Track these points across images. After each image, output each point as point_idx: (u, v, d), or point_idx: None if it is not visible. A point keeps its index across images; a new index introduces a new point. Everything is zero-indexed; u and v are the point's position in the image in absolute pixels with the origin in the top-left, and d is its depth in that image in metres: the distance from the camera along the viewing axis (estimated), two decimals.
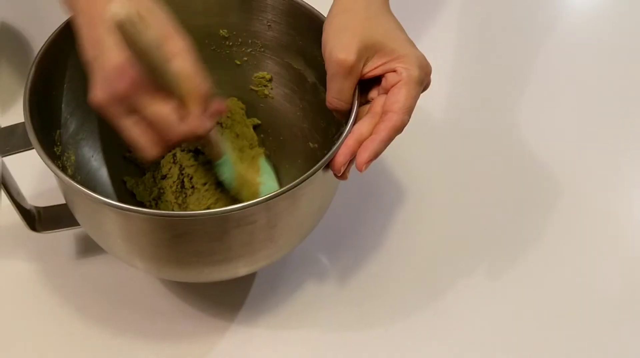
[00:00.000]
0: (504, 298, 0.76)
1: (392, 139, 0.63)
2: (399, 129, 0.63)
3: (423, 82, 0.64)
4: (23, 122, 0.63)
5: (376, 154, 0.62)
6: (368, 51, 0.64)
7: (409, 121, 0.63)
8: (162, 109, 0.57)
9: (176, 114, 0.57)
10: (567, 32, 1.01)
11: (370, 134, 0.63)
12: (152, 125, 0.58)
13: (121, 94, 0.56)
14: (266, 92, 0.81)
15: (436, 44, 0.96)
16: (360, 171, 0.62)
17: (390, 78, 0.64)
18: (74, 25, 0.60)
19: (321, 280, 0.76)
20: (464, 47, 0.98)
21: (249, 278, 0.76)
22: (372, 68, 0.64)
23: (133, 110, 0.57)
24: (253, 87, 0.81)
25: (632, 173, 0.87)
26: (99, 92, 0.57)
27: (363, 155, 0.62)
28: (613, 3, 1.05)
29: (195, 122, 0.58)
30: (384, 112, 0.63)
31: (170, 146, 0.59)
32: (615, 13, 1.03)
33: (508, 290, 0.77)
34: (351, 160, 0.63)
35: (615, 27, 1.01)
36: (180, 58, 0.57)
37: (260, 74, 0.80)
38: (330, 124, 0.74)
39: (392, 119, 0.62)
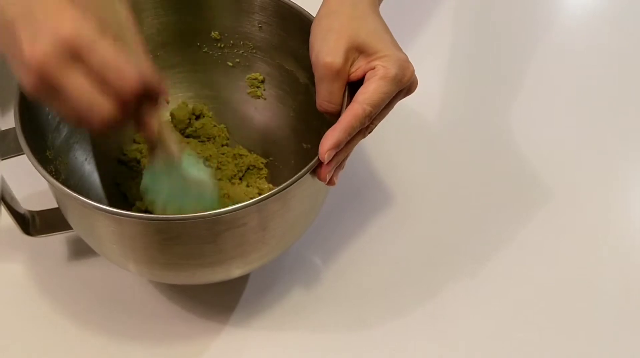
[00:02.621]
0: (498, 299, 0.76)
1: (355, 129, 0.62)
2: (359, 118, 0.62)
3: (400, 82, 0.64)
4: (14, 128, 0.63)
5: (338, 143, 0.61)
6: (354, 53, 0.64)
7: (371, 113, 0.62)
8: (111, 52, 0.51)
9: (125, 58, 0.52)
10: (561, 35, 1.00)
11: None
12: (99, 78, 0.51)
13: (67, 42, 0.50)
14: (259, 93, 0.81)
15: (429, 47, 0.96)
16: (323, 160, 0.61)
17: (368, 75, 0.64)
18: None
19: (314, 282, 0.76)
20: (457, 50, 0.98)
21: (242, 280, 0.76)
22: (356, 69, 0.65)
23: (76, 63, 0.51)
24: (246, 89, 0.81)
25: (628, 176, 0.87)
26: (38, 46, 0.50)
27: (324, 144, 0.61)
28: (608, 6, 1.05)
29: (146, 67, 0.54)
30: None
31: (124, 102, 0.53)
32: (610, 16, 1.03)
33: (502, 291, 0.77)
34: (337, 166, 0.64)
35: (610, 30, 1.01)
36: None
37: (253, 75, 0.80)
38: (324, 125, 0.73)
39: (353, 108, 0.62)
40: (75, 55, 0.51)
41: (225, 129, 0.82)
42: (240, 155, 0.80)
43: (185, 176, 0.63)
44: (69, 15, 0.51)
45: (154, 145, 0.61)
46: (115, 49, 0.52)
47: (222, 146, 0.81)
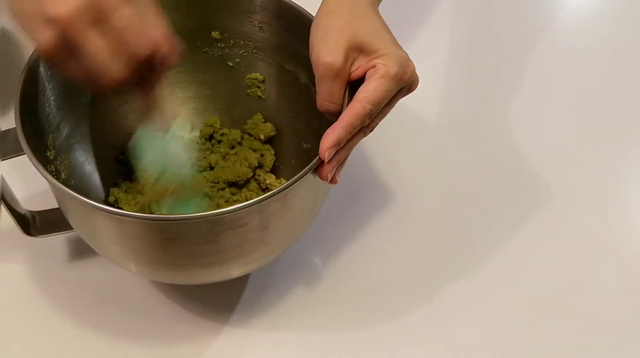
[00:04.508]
0: (498, 298, 0.76)
1: (355, 127, 0.62)
2: (360, 116, 0.62)
3: (400, 80, 0.64)
4: (15, 128, 0.63)
5: (338, 141, 0.61)
6: (354, 52, 0.64)
7: (372, 111, 0.62)
8: (132, 16, 0.55)
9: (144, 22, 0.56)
10: (561, 35, 1.00)
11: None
12: (117, 39, 0.55)
13: (93, 3, 0.53)
14: (259, 93, 0.81)
15: (429, 47, 0.96)
16: (324, 159, 0.61)
17: (369, 74, 0.64)
18: None
19: (314, 282, 0.77)
20: (456, 50, 0.98)
21: (242, 280, 0.76)
22: (356, 68, 0.64)
23: (97, 24, 0.54)
24: (246, 89, 0.81)
25: (628, 175, 0.87)
26: (63, 4, 0.53)
27: (325, 142, 0.61)
28: (607, 6, 1.05)
29: (161, 31, 0.57)
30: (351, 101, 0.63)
31: (136, 64, 0.57)
32: (609, 16, 1.03)
33: (502, 292, 0.77)
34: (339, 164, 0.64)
35: (610, 30, 1.01)
36: None
37: (253, 75, 0.80)
38: (324, 125, 0.73)
39: (354, 107, 0.62)
40: (97, 16, 0.54)
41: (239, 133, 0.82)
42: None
43: (171, 141, 0.67)
44: None
45: (149, 109, 0.64)
46: (135, 12, 0.55)
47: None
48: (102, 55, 0.55)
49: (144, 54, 0.57)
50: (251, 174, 0.80)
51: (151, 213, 0.72)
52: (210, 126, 0.82)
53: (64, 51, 0.55)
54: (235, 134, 0.81)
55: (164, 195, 0.68)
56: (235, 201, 0.78)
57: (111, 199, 0.77)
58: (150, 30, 0.57)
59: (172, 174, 0.67)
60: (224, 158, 0.80)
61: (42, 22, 0.54)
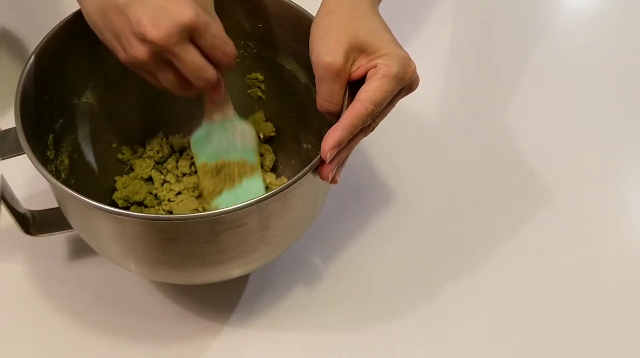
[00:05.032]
0: (498, 299, 0.76)
1: (357, 127, 0.62)
2: (361, 116, 0.62)
3: (402, 80, 0.63)
4: (15, 128, 0.63)
5: (340, 141, 0.61)
6: (354, 52, 0.64)
7: (373, 111, 0.62)
8: (219, 33, 0.63)
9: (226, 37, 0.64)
10: (562, 35, 1.00)
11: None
12: (210, 46, 0.62)
13: (188, 25, 0.59)
14: (259, 93, 0.81)
15: (429, 47, 0.96)
16: (325, 159, 0.61)
17: (370, 74, 0.63)
18: None
19: (314, 282, 0.77)
20: (457, 50, 0.98)
21: (242, 280, 0.76)
22: (356, 68, 0.64)
23: (191, 40, 0.61)
24: (246, 89, 0.81)
25: (628, 176, 0.87)
26: (162, 26, 0.59)
27: (326, 142, 0.61)
28: (607, 6, 1.05)
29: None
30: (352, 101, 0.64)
31: (222, 66, 0.65)
32: (609, 16, 1.03)
33: (502, 291, 0.77)
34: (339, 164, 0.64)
35: (609, 29, 1.01)
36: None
37: (253, 75, 0.80)
38: (324, 125, 0.74)
39: (356, 107, 0.62)
40: (191, 35, 0.61)
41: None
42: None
43: (234, 130, 0.72)
44: (190, 4, 0.60)
45: (218, 105, 0.70)
46: (220, 30, 0.63)
47: None
48: (197, 65, 0.62)
49: (229, 63, 0.64)
50: None
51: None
52: None
53: (158, 64, 0.62)
54: None
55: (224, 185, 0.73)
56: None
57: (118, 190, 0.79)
58: (231, 44, 0.64)
59: (232, 162, 0.73)
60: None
61: (137, 40, 0.60)
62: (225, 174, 0.73)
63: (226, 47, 0.64)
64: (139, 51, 0.61)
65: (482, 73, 0.95)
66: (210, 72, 0.63)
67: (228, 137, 0.72)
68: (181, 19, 0.59)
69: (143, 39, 0.60)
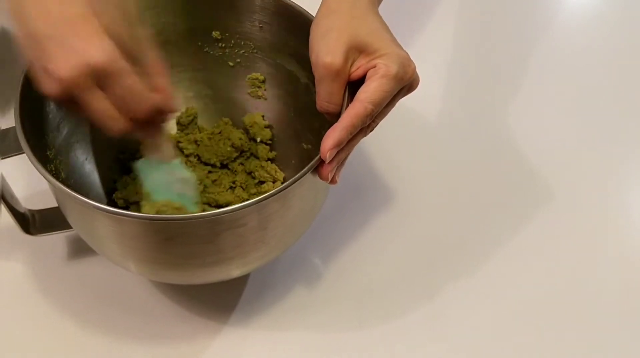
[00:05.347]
0: (498, 299, 0.76)
1: (356, 128, 0.62)
2: (361, 117, 0.62)
3: (401, 80, 0.63)
4: (14, 127, 0.63)
5: (339, 142, 0.61)
6: (354, 52, 0.64)
7: (373, 111, 0.62)
8: (133, 82, 0.57)
9: (144, 86, 0.58)
10: (562, 35, 1.00)
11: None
12: (119, 101, 0.57)
13: (98, 68, 0.55)
14: (259, 93, 0.81)
15: (429, 47, 0.96)
16: (325, 159, 0.61)
17: (369, 74, 0.63)
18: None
19: (314, 282, 0.77)
20: (457, 50, 0.98)
21: (242, 280, 0.76)
22: (356, 68, 0.64)
23: (100, 86, 0.56)
24: (247, 89, 0.81)
25: (629, 175, 0.87)
26: (69, 66, 0.55)
27: (326, 143, 0.61)
28: (607, 6, 1.05)
29: (165, 93, 0.59)
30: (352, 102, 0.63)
31: (137, 119, 0.59)
32: (609, 16, 1.03)
33: (502, 291, 0.77)
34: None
35: (610, 30, 1.01)
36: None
37: (254, 75, 0.80)
38: (324, 125, 0.73)
39: (355, 107, 0.62)
40: (101, 79, 0.56)
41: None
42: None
43: (172, 175, 0.68)
44: (100, 42, 0.55)
45: (153, 149, 0.66)
46: (137, 79, 0.57)
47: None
48: (105, 112, 0.57)
49: (144, 114, 0.59)
50: (236, 154, 0.80)
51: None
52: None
53: (70, 102, 0.57)
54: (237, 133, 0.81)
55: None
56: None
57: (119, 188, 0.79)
58: (150, 95, 0.58)
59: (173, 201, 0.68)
60: (209, 138, 0.81)
61: (49, 77, 0.56)
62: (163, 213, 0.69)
63: (142, 101, 0.58)
64: (50, 87, 0.56)
65: (483, 73, 0.95)
66: (118, 121, 0.58)
67: (167, 179, 0.68)
68: (89, 60, 0.54)
69: (51, 75, 0.56)
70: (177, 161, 0.68)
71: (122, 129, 0.59)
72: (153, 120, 0.60)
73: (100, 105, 0.57)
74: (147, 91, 0.58)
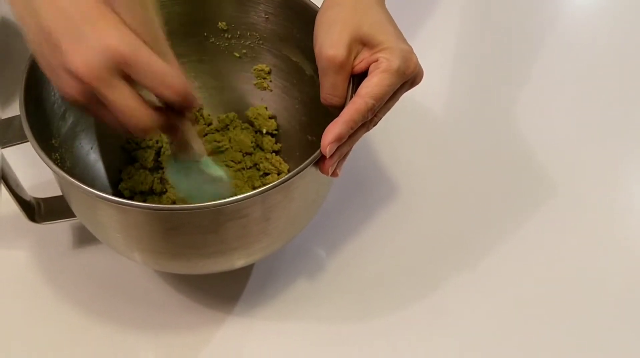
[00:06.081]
0: (500, 292, 0.76)
1: (357, 122, 0.62)
2: (361, 112, 0.62)
3: (403, 75, 0.63)
4: (19, 115, 0.63)
5: (339, 137, 0.61)
6: (357, 45, 0.64)
7: (374, 106, 0.62)
8: (157, 63, 0.54)
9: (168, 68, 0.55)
10: (567, 31, 1.00)
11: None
12: (150, 84, 0.55)
13: (116, 56, 0.52)
14: (265, 84, 0.81)
15: (435, 41, 0.96)
16: (325, 153, 0.61)
17: (371, 68, 0.63)
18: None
19: (318, 273, 0.77)
20: (462, 44, 0.98)
21: (246, 271, 0.76)
22: (359, 61, 0.64)
23: (122, 76, 0.54)
24: (252, 80, 0.81)
25: (632, 172, 0.87)
26: (86, 60, 0.52)
27: (326, 137, 0.61)
28: (614, 2, 1.04)
29: (182, 79, 0.56)
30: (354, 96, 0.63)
31: (164, 111, 0.57)
32: (615, 13, 1.03)
33: (504, 285, 0.77)
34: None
35: (615, 26, 1.01)
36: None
37: (259, 66, 0.80)
38: (329, 117, 0.73)
39: (356, 102, 0.62)
40: (122, 68, 0.53)
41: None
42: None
43: (204, 174, 0.66)
44: (115, 29, 0.53)
45: (180, 147, 0.64)
46: (163, 62, 0.54)
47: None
48: (129, 106, 0.54)
49: (172, 101, 0.56)
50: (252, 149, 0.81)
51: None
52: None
53: (91, 102, 0.55)
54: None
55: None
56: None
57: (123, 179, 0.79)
58: (177, 76, 0.56)
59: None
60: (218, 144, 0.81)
61: (66, 73, 0.53)
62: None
63: (165, 82, 0.55)
64: (69, 86, 0.54)
65: (488, 68, 0.95)
66: (145, 116, 0.55)
67: (197, 180, 0.67)
68: (106, 49, 0.52)
69: (70, 72, 0.53)
70: (208, 159, 0.67)
71: (151, 125, 0.56)
72: (180, 112, 0.59)
73: (127, 101, 0.54)
74: (173, 73, 0.55)
